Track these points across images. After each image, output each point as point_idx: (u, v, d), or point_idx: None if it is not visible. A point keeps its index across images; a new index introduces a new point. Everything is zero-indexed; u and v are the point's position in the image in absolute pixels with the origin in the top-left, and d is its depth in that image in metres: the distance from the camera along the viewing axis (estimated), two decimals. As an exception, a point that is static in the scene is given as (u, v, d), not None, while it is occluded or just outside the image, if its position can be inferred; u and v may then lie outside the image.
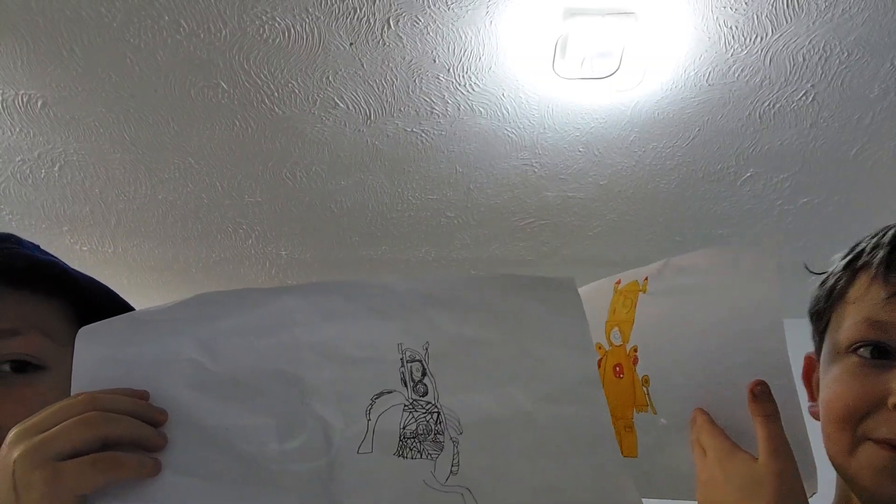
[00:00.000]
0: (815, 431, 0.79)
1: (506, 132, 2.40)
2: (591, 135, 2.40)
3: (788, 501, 0.67)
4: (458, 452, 0.66)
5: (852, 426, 0.75)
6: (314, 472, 0.63)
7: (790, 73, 2.14)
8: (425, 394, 0.66)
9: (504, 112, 2.30)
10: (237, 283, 3.41)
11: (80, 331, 0.64)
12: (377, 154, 2.51)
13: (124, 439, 0.59)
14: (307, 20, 1.96)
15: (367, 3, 1.90)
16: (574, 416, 0.68)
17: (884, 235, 0.79)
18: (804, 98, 2.24)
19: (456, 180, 2.65)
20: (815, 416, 0.83)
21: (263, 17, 1.94)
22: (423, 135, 2.41)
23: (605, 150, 2.48)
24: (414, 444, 0.65)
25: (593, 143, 2.45)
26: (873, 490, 0.74)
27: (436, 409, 0.66)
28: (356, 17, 1.94)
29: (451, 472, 0.65)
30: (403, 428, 0.65)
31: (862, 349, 0.76)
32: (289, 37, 2.01)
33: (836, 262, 0.84)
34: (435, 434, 0.66)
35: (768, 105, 2.27)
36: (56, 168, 2.58)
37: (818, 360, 0.85)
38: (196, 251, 3.15)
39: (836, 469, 0.79)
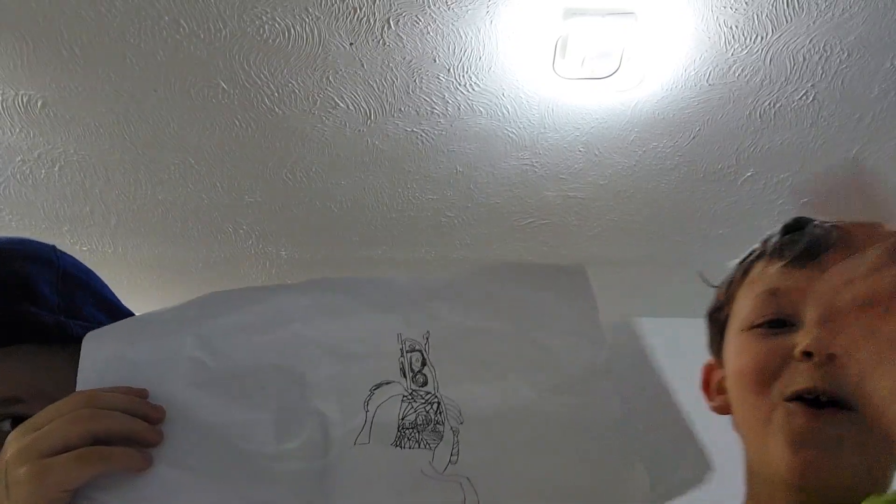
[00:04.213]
0: (721, 434, 0.83)
1: (506, 132, 2.39)
2: (591, 135, 2.40)
3: None
4: (457, 442, 0.65)
5: (767, 386, 0.77)
6: (311, 465, 0.63)
7: (790, 72, 2.14)
8: (425, 384, 0.66)
9: (504, 112, 2.30)
10: (237, 283, 3.41)
11: (86, 335, 0.65)
12: (377, 154, 2.51)
13: (116, 435, 0.59)
14: (307, 20, 1.95)
15: (367, 3, 1.90)
16: (581, 407, 0.67)
17: (773, 231, 0.86)
18: (804, 98, 2.24)
19: (456, 180, 2.65)
20: (718, 411, 0.86)
21: (263, 17, 1.94)
22: (423, 135, 2.41)
23: (605, 150, 2.48)
24: (413, 434, 0.65)
25: (593, 143, 2.45)
26: (790, 458, 0.74)
27: (436, 399, 0.66)
28: (356, 17, 1.94)
29: (449, 461, 0.65)
30: (402, 419, 0.65)
31: (761, 325, 0.80)
32: (289, 37, 2.01)
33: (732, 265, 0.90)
34: (434, 424, 0.65)
35: (768, 105, 2.27)
36: (56, 168, 2.57)
37: (718, 363, 0.88)
38: (196, 251, 3.15)
39: (750, 453, 0.81)
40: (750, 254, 0.87)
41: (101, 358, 0.64)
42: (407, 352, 0.66)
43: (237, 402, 0.63)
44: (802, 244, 0.81)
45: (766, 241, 0.86)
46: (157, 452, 0.61)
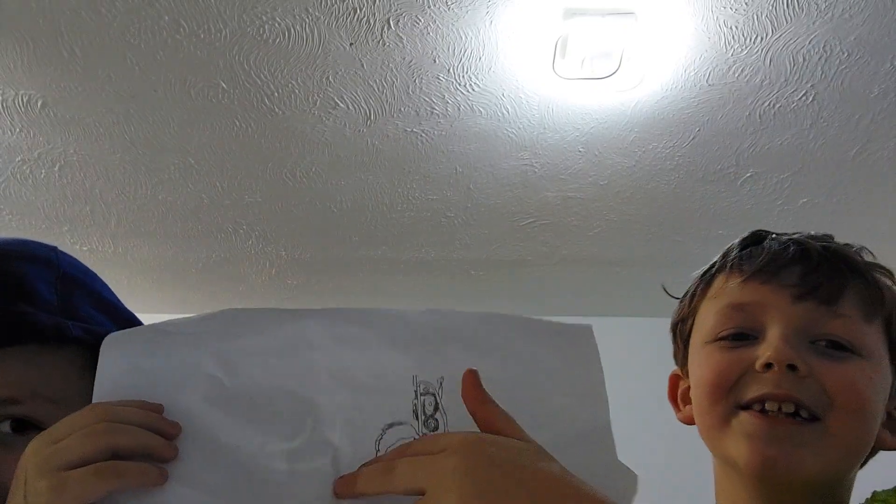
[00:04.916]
0: (689, 443, 0.85)
1: (506, 132, 2.40)
2: (591, 135, 2.40)
3: None
4: None
5: (724, 394, 0.80)
6: (320, 496, 0.63)
7: (790, 73, 2.14)
8: (436, 428, 0.66)
9: (504, 112, 2.30)
10: (237, 283, 3.41)
11: (106, 338, 0.65)
12: (377, 154, 2.51)
13: (132, 449, 0.60)
14: (307, 20, 1.96)
15: (367, 3, 1.90)
16: (582, 462, 0.67)
17: (732, 244, 0.90)
18: (804, 98, 2.24)
19: (456, 180, 2.65)
20: (685, 421, 0.89)
21: (263, 18, 1.94)
22: (423, 135, 2.41)
23: (605, 150, 2.48)
24: None
25: (593, 144, 2.45)
26: (749, 456, 0.77)
27: None
28: (356, 17, 1.94)
29: None
30: None
31: (725, 338, 0.83)
32: (289, 37, 2.01)
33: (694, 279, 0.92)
34: None
35: (768, 105, 2.27)
36: (56, 168, 2.57)
37: (684, 373, 0.91)
38: (196, 251, 3.15)
39: (713, 451, 0.84)
40: (711, 267, 0.90)
41: (118, 367, 0.64)
42: (421, 394, 0.67)
43: (251, 424, 0.64)
44: (762, 259, 0.84)
45: (725, 255, 0.88)
46: (170, 468, 0.61)
